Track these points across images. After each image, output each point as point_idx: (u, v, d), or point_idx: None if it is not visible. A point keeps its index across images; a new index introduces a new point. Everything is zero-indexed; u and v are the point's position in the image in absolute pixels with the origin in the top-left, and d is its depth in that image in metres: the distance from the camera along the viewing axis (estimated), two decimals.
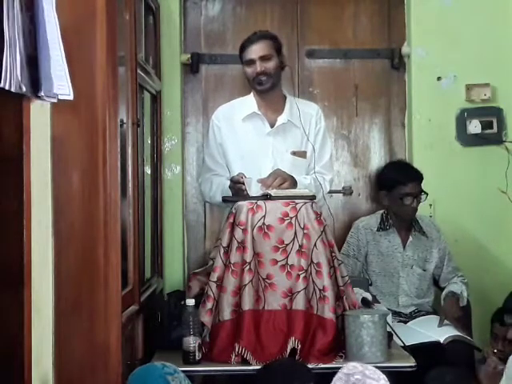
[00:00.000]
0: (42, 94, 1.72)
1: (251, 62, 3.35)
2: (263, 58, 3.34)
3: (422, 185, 3.77)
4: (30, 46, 1.71)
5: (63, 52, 1.83)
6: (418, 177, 3.78)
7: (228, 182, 3.30)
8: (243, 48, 3.39)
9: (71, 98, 1.85)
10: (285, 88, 3.54)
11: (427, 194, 3.77)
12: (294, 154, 3.40)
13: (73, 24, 2.06)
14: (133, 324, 2.93)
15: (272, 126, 3.41)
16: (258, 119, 3.42)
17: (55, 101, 1.84)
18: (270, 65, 3.36)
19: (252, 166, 3.30)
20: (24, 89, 1.67)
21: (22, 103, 1.83)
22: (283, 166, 3.30)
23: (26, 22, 1.69)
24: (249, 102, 3.45)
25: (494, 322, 3.70)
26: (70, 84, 1.84)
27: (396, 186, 3.75)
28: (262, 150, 3.39)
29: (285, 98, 3.47)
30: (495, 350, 3.57)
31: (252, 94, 3.48)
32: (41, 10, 1.70)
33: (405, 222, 3.79)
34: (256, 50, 3.35)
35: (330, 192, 4.14)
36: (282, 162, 3.36)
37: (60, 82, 1.79)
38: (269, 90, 3.39)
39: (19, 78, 1.65)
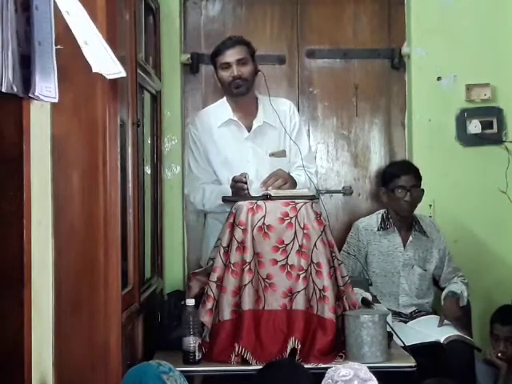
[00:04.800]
0: (32, 94, 1.72)
1: (227, 66, 3.35)
2: (239, 62, 3.35)
3: (420, 183, 3.77)
4: (27, 47, 1.71)
5: (54, 54, 1.82)
6: (411, 170, 3.78)
7: (221, 187, 3.33)
8: (218, 52, 3.39)
9: (56, 100, 1.85)
10: (259, 92, 3.52)
11: (423, 190, 3.77)
12: (272, 155, 3.42)
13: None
14: (133, 324, 2.93)
15: (249, 129, 3.42)
16: (233, 125, 3.43)
17: (50, 101, 1.84)
18: (246, 69, 3.37)
19: (235, 170, 3.28)
20: (15, 89, 1.68)
21: (21, 103, 1.83)
22: (264, 169, 3.32)
23: (21, 23, 1.69)
24: (223, 109, 3.46)
25: (494, 322, 3.69)
26: (56, 86, 1.83)
27: (391, 179, 3.78)
28: (242, 155, 3.41)
29: (257, 99, 3.48)
30: (499, 354, 3.56)
31: (225, 99, 3.48)
32: (33, 12, 1.70)
33: (404, 221, 3.79)
34: (233, 54, 3.35)
35: (330, 192, 4.16)
36: (263, 164, 3.38)
37: (47, 84, 1.79)
38: (244, 94, 3.40)
39: (11, 79, 1.65)
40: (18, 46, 1.68)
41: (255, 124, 3.42)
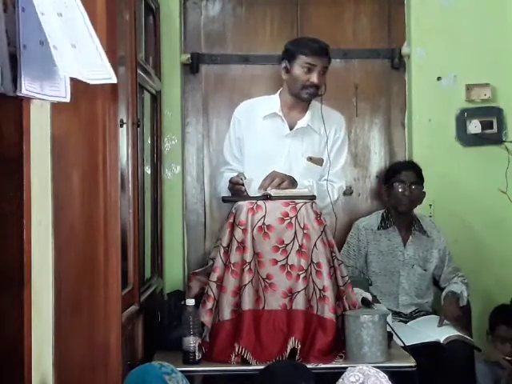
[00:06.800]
0: (19, 93, 1.71)
1: (310, 69, 3.29)
2: (322, 70, 3.31)
3: (422, 183, 3.79)
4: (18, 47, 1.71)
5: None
6: (412, 167, 3.83)
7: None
8: (305, 51, 3.30)
9: (67, 100, 1.85)
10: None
11: (424, 193, 3.78)
12: (310, 159, 3.39)
13: None
14: (133, 324, 2.93)
15: (291, 128, 3.39)
16: (278, 120, 3.40)
17: (60, 101, 1.84)
18: (323, 79, 3.34)
19: (265, 165, 3.27)
20: (2, 89, 1.67)
21: (21, 103, 1.83)
22: (297, 170, 3.30)
23: (12, 23, 1.68)
24: (272, 102, 3.42)
25: (499, 324, 3.67)
26: (67, 86, 1.83)
27: (392, 175, 3.83)
28: (278, 151, 3.37)
29: (309, 103, 3.42)
30: (508, 357, 3.54)
31: (278, 93, 3.45)
32: (20, 10, 1.70)
33: (403, 219, 3.80)
34: (321, 60, 3.30)
35: None
36: (297, 165, 3.35)
37: (52, 83, 1.78)
38: (308, 101, 3.37)
39: None
40: (8, 45, 1.68)
41: (299, 124, 3.38)
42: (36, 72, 1.72)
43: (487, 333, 3.80)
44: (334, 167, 3.42)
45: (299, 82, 3.32)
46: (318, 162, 3.41)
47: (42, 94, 1.77)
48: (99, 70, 1.81)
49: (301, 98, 3.36)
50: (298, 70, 3.32)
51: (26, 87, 1.70)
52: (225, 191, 3.32)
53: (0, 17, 1.63)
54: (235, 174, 3.32)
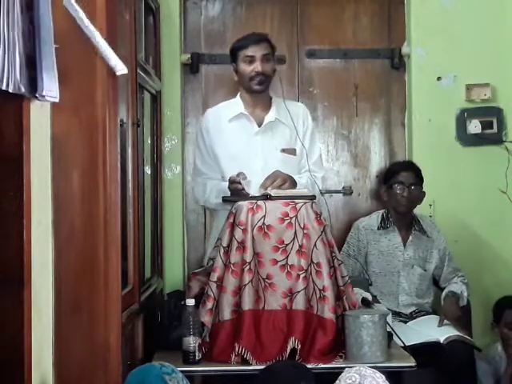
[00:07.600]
0: (38, 94, 1.72)
1: (251, 60, 3.35)
2: (264, 58, 3.35)
3: (421, 184, 3.79)
4: (30, 47, 1.71)
5: (54, 53, 1.83)
6: (411, 168, 3.82)
7: (222, 184, 3.30)
8: (242, 46, 3.38)
9: (57, 100, 1.85)
10: (272, 90, 3.53)
11: (424, 193, 3.78)
12: (283, 151, 3.42)
13: (73, 24, 2.06)
14: (133, 324, 2.93)
15: (260, 125, 3.42)
16: (245, 119, 3.42)
17: (51, 100, 1.84)
18: (269, 66, 3.38)
19: (242, 165, 3.27)
20: (23, 89, 1.68)
21: (21, 103, 1.83)
22: (273, 164, 3.30)
23: (26, 23, 1.69)
24: (235, 104, 3.46)
25: (506, 309, 3.64)
26: (57, 86, 1.83)
27: (392, 176, 3.82)
28: (251, 149, 3.39)
29: (270, 98, 3.48)
30: None
31: (239, 95, 3.48)
32: (37, 11, 1.71)
33: (403, 219, 3.80)
34: (259, 49, 3.35)
35: (330, 192, 4.16)
36: (273, 160, 3.36)
37: (49, 83, 1.79)
38: (263, 91, 3.41)
39: (18, 79, 1.65)
40: (24, 46, 1.68)
41: (267, 119, 3.41)
42: (45, 73, 1.74)
43: (492, 325, 3.78)
44: (311, 157, 3.44)
45: (246, 75, 3.37)
46: (292, 152, 3.43)
47: (49, 97, 1.78)
48: (51, 86, 1.83)
49: (253, 90, 3.39)
50: (242, 65, 3.38)
51: (46, 88, 1.71)
52: (214, 197, 3.33)
53: (18, 18, 1.63)
54: (216, 183, 3.34)
